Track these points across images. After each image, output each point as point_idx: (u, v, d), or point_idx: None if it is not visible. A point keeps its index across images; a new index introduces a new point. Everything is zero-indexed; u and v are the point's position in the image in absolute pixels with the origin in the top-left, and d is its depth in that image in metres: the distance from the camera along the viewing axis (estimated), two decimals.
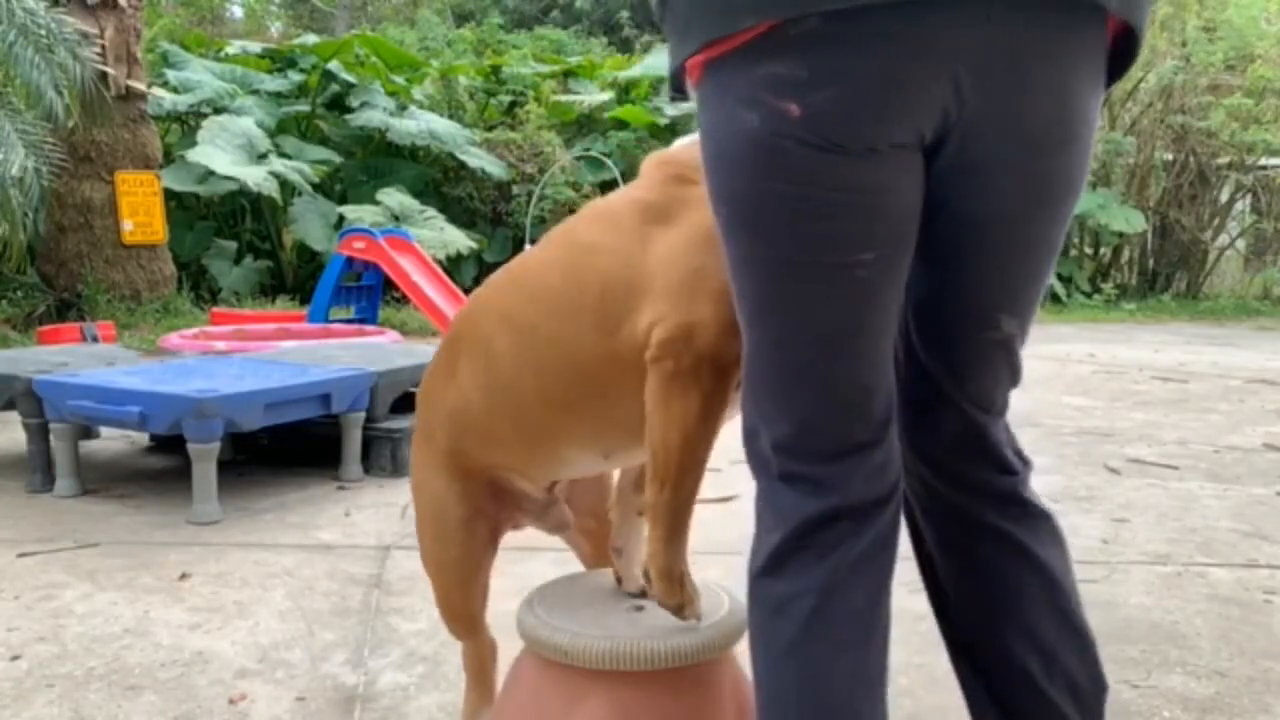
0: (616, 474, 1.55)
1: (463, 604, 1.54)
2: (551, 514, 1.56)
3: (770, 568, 1.13)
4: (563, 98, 12.19)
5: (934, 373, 1.21)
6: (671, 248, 1.23)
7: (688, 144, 1.33)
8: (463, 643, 1.61)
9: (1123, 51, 1.11)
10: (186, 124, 10.14)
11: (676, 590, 1.32)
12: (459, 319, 1.45)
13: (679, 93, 1.19)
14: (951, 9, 0.97)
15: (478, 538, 1.49)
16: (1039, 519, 1.26)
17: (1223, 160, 11.83)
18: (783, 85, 0.99)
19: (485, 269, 9.38)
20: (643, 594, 1.48)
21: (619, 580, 1.52)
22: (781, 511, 1.13)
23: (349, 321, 7.24)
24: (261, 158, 9.22)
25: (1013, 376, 1.23)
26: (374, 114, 10.42)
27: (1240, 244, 12.52)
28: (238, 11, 20.53)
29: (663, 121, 11.86)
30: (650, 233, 1.25)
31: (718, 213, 1.11)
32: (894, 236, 1.06)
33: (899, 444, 1.18)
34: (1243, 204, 12.40)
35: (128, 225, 8.00)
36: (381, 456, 3.66)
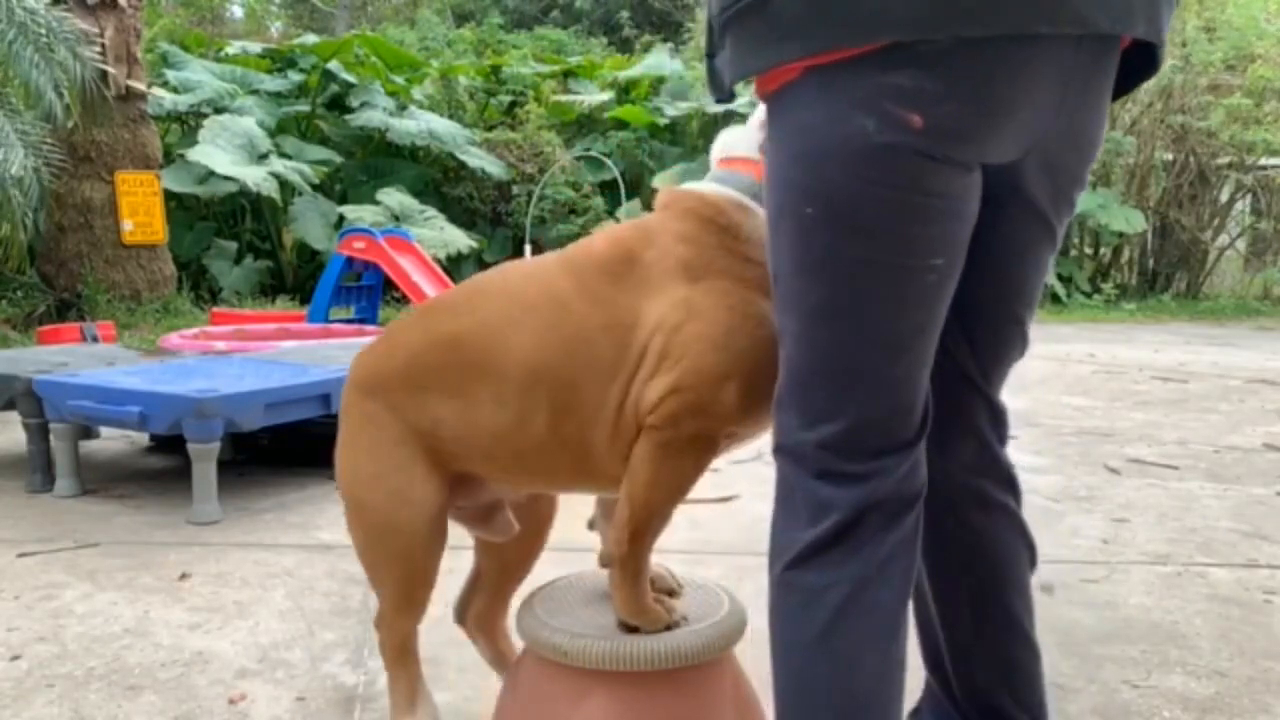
0: None
1: (425, 594, 1.52)
2: (496, 518, 1.57)
3: (802, 560, 1.16)
4: (563, 98, 12.20)
5: (966, 370, 1.30)
6: (705, 323, 1.26)
7: (726, 194, 1.33)
8: (398, 631, 1.55)
9: (1135, 67, 1.20)
10: (186, 124, 10.15)
11: (659, 617, 1.38)
12: (467, 335, 1.37)
13: (726, 94, 1.22)
14: (1057, 42, 1.06)
15: (445, 526, 1.50)
16: (1020, 492, 1.40)
17: (1223, 160, 11.82)
18: (907, 96, 1.04)
19: (485, 269, 9.36)
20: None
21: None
22: (817, 506, 1.16)
23: (349, 321, 7.23)
24: (262, 158, 9.23)
25: (1020, 357, 1.36)
26: (374, 114, 10.42)
27: (1240, 244, 12.51)
28: (238, 11, 20.53)
29: (662, 121, 11.86)
30: (689, 298, 1.28)
31: (797, 211, 1.13)
32: (959, 244, 1.14)
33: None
34: (1243, 204, 12.39)
35: (128, 225, 7.99)
36: None
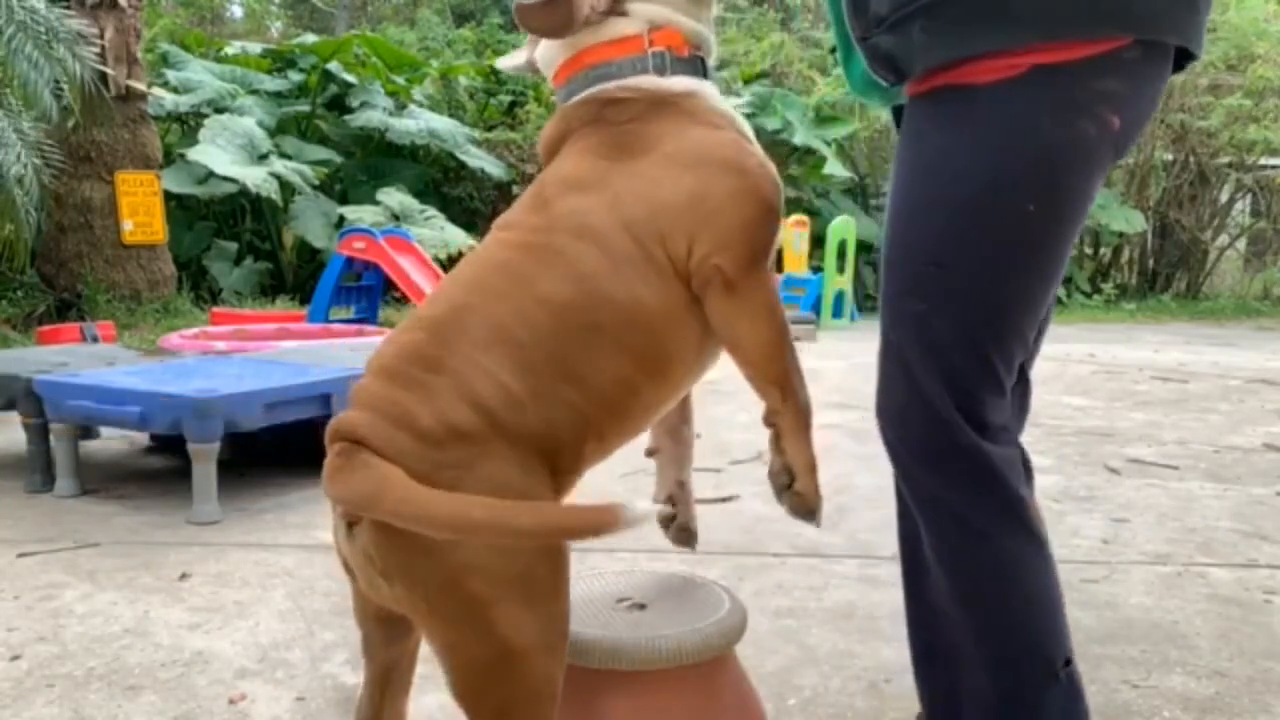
0: None
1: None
2: None
3: (1021, 502, 1.29)
4: None
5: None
6: (659, 177, 1.23)
7: (596, 89, 1.30)
8: None
9: None
10: (186, 124, 10.14)
11: (818, 485, 1.33)
12: (466, 292, 1.24)
13: (905, 78, 1.25)
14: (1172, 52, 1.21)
15: None
16: (1033, 481, 1.43)
17: (1223, 160, 11.83)
18: (1113, 100, 1.16)
19: None
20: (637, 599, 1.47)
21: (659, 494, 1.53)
22: (998, 454, 1.29)
23: (349, 321, 7.24)
24: (262, 158, 9.22)
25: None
26: (374, 114, 10.41)
27: (1240, 244, 12.52)
28: (238, 11, 20.51)
29: None
30: (625, 167, 1.25)
31: (1010, 207, 1.19)
32: None
33: None
34: (1243, 204, 12.40)
35: (128, 225, 7.99)
36: None
